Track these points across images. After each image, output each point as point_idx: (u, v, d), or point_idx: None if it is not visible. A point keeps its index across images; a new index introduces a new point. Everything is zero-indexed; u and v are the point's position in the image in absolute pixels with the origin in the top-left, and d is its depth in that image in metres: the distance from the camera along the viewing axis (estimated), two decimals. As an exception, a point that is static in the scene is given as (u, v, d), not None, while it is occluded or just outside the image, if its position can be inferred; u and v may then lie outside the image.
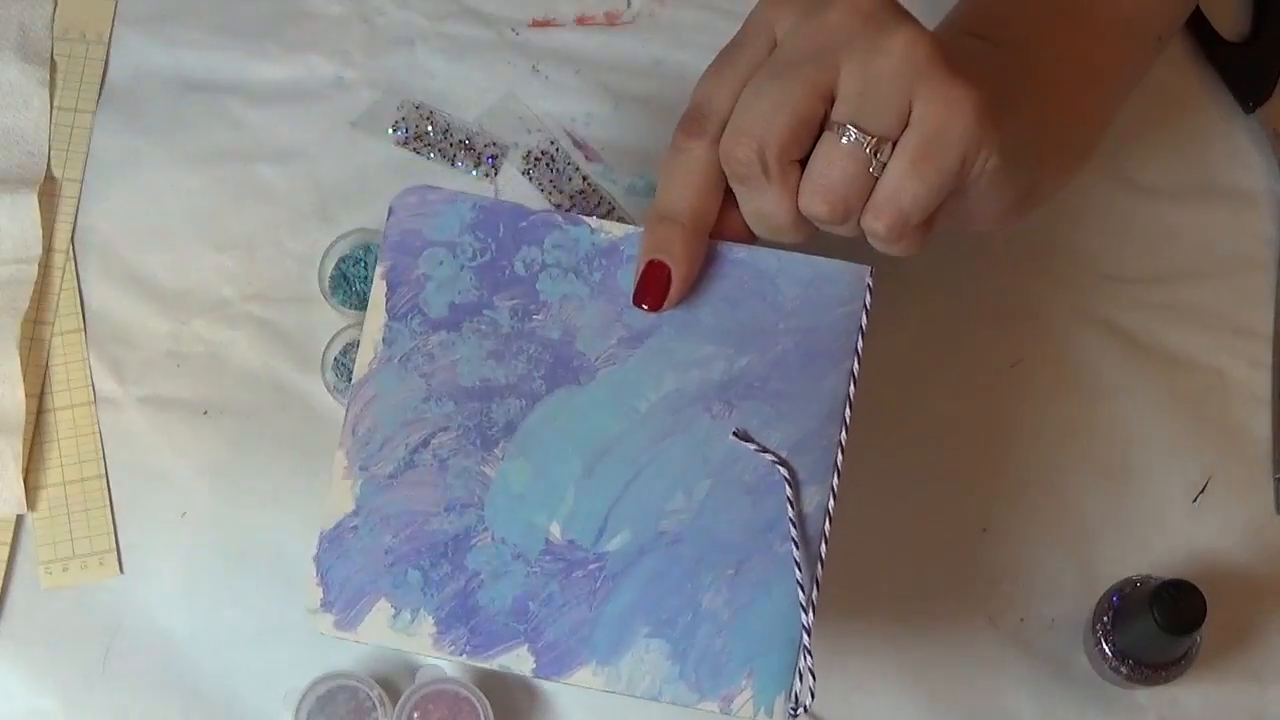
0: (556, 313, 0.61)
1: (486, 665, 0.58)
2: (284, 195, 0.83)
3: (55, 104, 0.83)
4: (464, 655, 0.58)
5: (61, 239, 0.81)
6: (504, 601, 0.58)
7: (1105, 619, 0.74)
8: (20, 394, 0.78)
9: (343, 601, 0.59)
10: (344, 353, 0.79)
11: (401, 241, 0.62)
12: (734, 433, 0.59)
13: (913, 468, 0.79)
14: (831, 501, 0.59)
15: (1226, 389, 0.81)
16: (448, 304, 0.61)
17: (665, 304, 0.60)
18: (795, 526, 0.58)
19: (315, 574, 0.59)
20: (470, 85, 0.84)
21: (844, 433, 0.60)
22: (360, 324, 0.79)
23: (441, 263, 0.62)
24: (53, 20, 0.85)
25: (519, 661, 0.58)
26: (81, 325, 0.80)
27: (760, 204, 0.59)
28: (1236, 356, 0.81)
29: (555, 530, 0.59)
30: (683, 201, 0.60)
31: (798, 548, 0.58)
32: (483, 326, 0.61)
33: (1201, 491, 0.79)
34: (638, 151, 0.83)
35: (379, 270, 0.62)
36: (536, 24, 0.85)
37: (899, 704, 0.77)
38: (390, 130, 0.83)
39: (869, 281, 0.62)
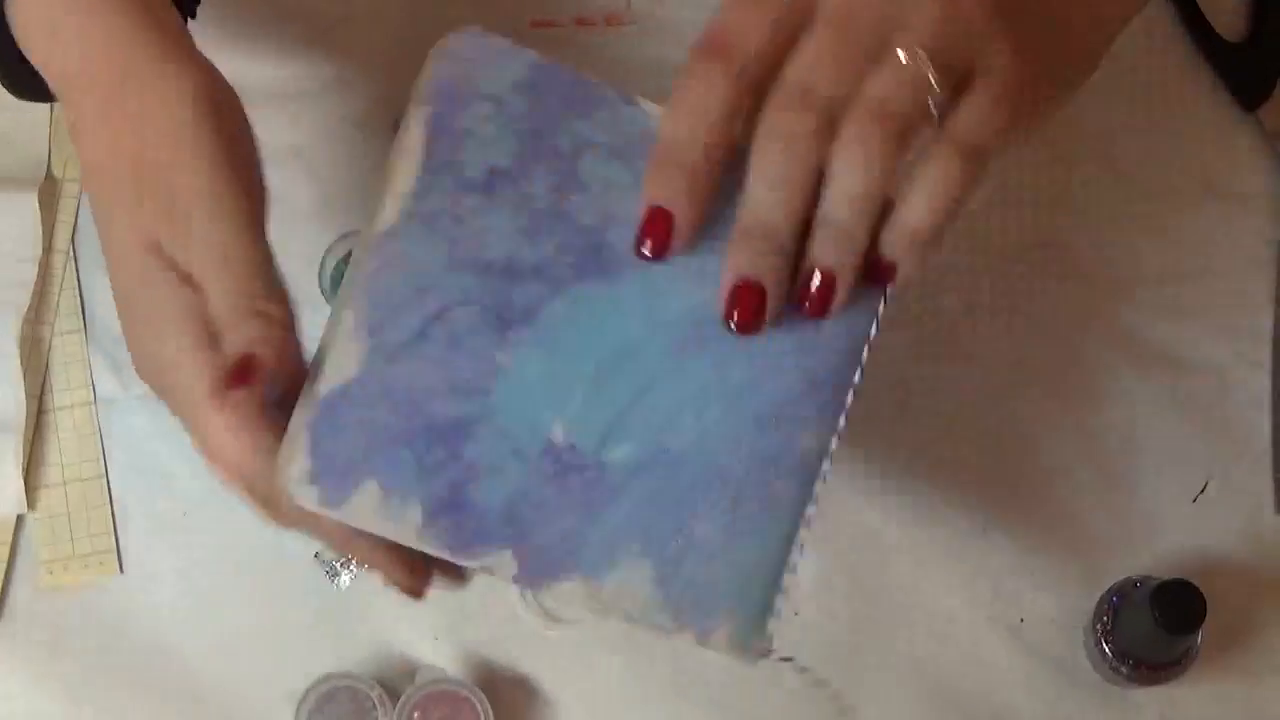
0: (596, 198, 0.56)
1: (471, 564, 0.55)
2: (283, 195, 0.82)
3: (55, 104, 0.83)
4: (448, 550, 0.54)
5: (61, 239, 0.81)
6: (496, 500, 0.54)
7: (1105, 619, 0.74)
8: (20, 394, 0.78)
9: (332, 477, 0.54)
10: (344, 353, 0.79)
11: (447, 89, 0.56)
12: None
13: (913, 468, 0.79)
14: (835, 443, 0.57)
15: (1226, 389, 0.81)
16: (486, 167, 0.56)
17: (669, 254, 0.54)
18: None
19: (306, 442, 0.54)
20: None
21: (859, 376, 0.57)
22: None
23: (487, 119, 0.56)
24: (53, 20, 0.85)
25: (503, 565, 0.54)
26: (81, 325, 0.80)
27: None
28: (1236, 356, 0.81)
29: (559, 431, 0.55)
30: (696, 138, 0.53)
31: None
32: (518, 198, 0.56)
33: (1201, 491, 0.79)
34: (638, 151, 0.83)
35: (420, 115, 0.56)
36: (536, 24, 0.85)
37: (898, 704, 0.77)
38: (391, 130, 0.83)
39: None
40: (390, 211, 0.55)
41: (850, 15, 0.52)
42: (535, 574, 0.55)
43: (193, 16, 0.66)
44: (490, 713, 0.74)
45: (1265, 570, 0.79)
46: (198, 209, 0.56)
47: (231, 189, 0.56)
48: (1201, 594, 0.69)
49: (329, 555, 0.77)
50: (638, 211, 0.54)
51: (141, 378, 0.58)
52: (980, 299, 0.81)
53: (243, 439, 0.54)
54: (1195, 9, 0.85)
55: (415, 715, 0.74)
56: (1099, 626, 0.74)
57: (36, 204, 0.81)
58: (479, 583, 0.77)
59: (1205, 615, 0.69)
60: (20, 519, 0.78)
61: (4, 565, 0.77)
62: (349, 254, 0.80)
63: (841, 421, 0.57)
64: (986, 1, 0.52)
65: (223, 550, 0.78)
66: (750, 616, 0.56)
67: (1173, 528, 0.79)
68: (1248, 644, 0.78)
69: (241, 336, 0.55)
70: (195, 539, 0.78)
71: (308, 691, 0.74)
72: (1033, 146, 0.84)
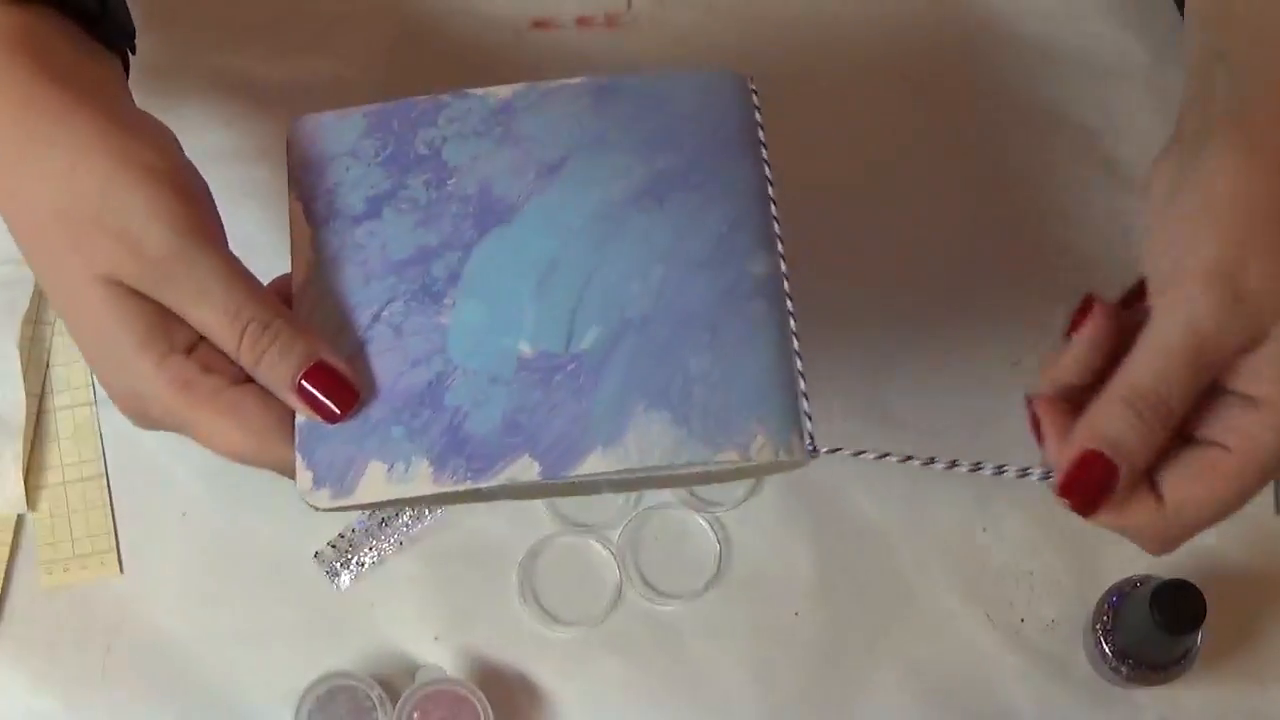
0: (469, 172, 0.61)
1: (493, 483, 0.57)
2: (284, 196, 0.82)
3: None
4: (468, 481, 0.57)
5: (62, 239, 0.81)
6: (493, 423, 0.57)
7: (1105, 619, 0.74)
8: (20, 394, 0.78)
9: (334, 475, 0.58)
10: (344, 353, 0.79)
11: (305, 165, 0.63)
12: None
13: (913, 467, 0.79)
14: (783, 264, 0.59)
15: (1226, 389, 0.81)
16: (364, 199, 0.61)
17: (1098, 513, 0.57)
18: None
19: (300, 461, 0.58)
20: (471, 86, 0.84)
21: (773, 206, 0.60)
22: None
23: (348, 169, 0.62)
24: (53, 21, 0.85)
25: (524, 470, 0.57)
26: (82, 325, 0.80)
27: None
28: (1236, 356, 0.81)
29: (525, 347, 0.58)
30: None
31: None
32: (403, 206, 0.61)
33: (1201, 491, 0.79)
34: (638, 152, 0.83)
35: (292, 195, 0.62)
36: (537, 25, 0.85)
37: (898, 704, 0.77)
38: (390, 131, 0.83)
39: (752, 86, 0.63)
40: (300, 274, 0.61)
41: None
42: (556, 466, 0.57)
43: (132, 52, 0.66)
44: (490, 713, 0.73)
45: (1265, 570, 0.79)
46: (154, 249, 0.56)
47: (176, 218, 0.57)
48: (1201, 594, 0.69)
49: (329, 555, 0.77)
50: (513, 156, 0.61)
51: (122, 411, 0.59)
52: (979, 298, 0.81)
53: (234, 427, 0.57)
54: (1195, 9, 0.85)
55: (415, 715, 0.74)
56: (1099, 626, 0.74)
57: (37, 204, 0.81)
58: (479, 583, 0.78)
59: (1205, 615, 0.69)
60: (20, 519, 0.78)
61: (4, 565, 0.77)
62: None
63: (779, 244, 0.60)
64: None
65: (223, 550, 0.78)
66: (780, 418, 0.57)
67: (1173, 528, 0.79)
68: (1248, 644, 0.78)
69: (252, 354, 0.57)
70: (195, 539, 0.78)
71: (307, 691, 0.74)
72: (1032, 147, 0.84)
